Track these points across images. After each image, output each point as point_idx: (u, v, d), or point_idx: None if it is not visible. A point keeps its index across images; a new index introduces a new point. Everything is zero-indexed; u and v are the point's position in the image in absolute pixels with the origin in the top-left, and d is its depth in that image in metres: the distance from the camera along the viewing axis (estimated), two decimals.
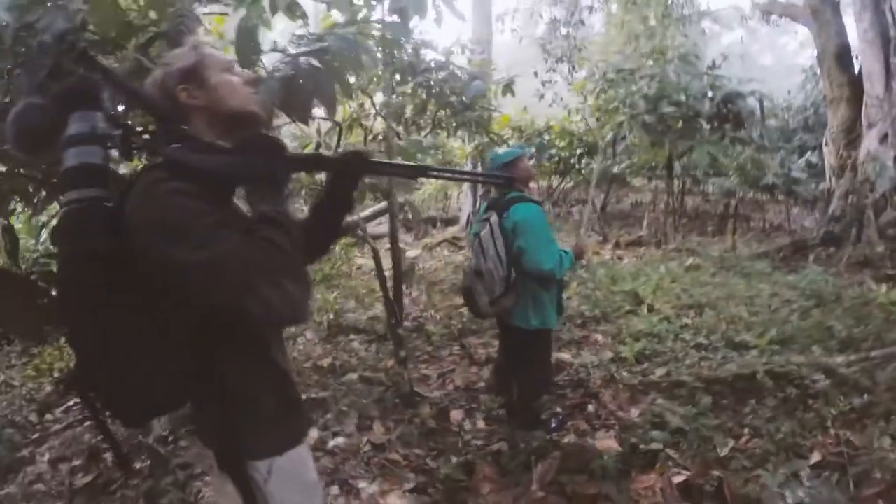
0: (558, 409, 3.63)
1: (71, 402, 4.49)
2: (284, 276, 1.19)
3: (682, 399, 3.53)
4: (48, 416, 4.29)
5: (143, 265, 1.19)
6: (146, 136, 1.36)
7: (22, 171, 2.33)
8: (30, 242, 4.81)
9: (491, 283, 3.05)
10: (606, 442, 3.17)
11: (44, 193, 2.57)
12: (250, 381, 1.39)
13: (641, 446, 3.03)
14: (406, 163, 2.23)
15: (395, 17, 3.47)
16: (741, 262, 7.36)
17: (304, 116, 2.41)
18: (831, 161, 8.69)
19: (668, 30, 13.33)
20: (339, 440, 3.47)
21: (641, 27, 13.43)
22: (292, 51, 2.46)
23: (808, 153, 11.34)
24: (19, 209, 3.13)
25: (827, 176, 8.89)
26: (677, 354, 4.22)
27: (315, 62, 2.38)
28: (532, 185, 12.68)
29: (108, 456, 3.51)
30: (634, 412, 3.51)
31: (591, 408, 3.65)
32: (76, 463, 3.53)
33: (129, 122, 1.39)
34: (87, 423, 4.02)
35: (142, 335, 1.23)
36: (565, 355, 4.44)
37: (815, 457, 2.88)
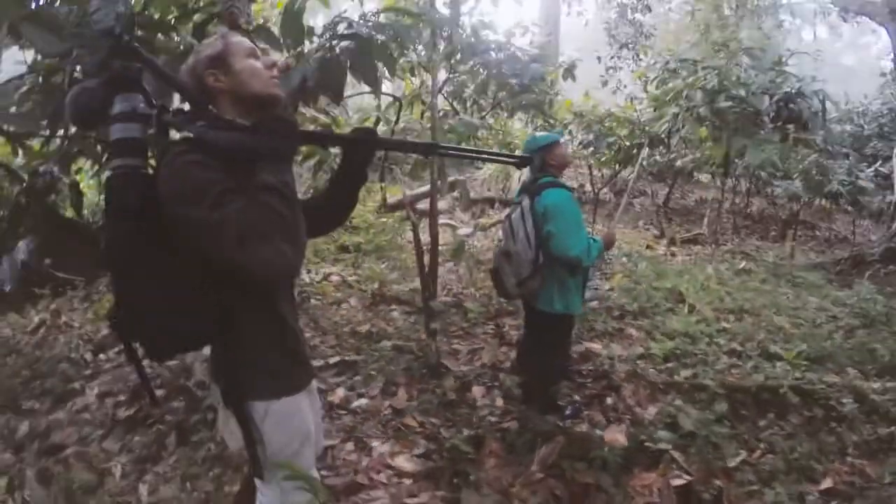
0: (576, 398, 3.67)
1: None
2: (279, 237, 1.42)
3: (701, 403, 3.51)
4: (101, 356, 4.60)
5: (167, 223, 1.43)
6: (176, 116, 1.57)
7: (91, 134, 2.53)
8: (99, 197, 5.13)
9: (518, 264, 3.14)
10: (615, 435, 3.18)
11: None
12: (255, 330, 1.61)
13: (648, 444, 3.03)
14: (415, 140, 2.34)
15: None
16: (794, 272, 7.15)
17: (337, 96, 2.53)
18: None
19: (741, 21, 12.87)
20: (363, 401, 3.66)
21: (714, 16, 13.02)
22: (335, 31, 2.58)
23: (880, 162, 10.78)
24: (87, 167, 3.43)
25: (894, 189, 8.46)
26: (707, 358, 4.15)
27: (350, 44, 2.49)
28: (594, 172, 12.61)
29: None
30: (651, 410, 3.50)
31: (609, 400, 3.66)
32: (120, 398, 3.80)
33: (164, 104, 1.57)
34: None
35: (167, 282, 1.47)
36: (596, 345, 4.44)
37: (827, 483, 2.84)
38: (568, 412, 3.42)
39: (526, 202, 3.16)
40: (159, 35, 2.48)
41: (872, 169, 10.13)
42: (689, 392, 3.67)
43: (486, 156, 2.26)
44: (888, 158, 9.67)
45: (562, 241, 3.02)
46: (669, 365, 4.06)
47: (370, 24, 2.56)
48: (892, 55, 8.98)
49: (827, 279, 6.99)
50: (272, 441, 1.62)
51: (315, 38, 2.65)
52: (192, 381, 3.83)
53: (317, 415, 1.88)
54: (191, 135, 1.50)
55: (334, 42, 2.49)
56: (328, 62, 2.33)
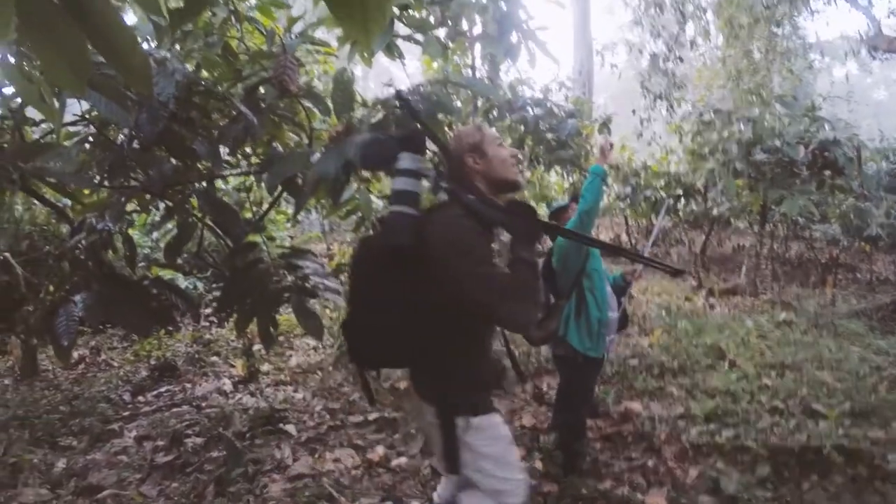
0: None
1: (163, 389, 4.95)
2: (527, 299, 1.77)
3: (744, 465, 3.46)
4: (140, 398, 4.75)
5: (431, 265, 1.74)
6: (450, 184, 1.89)
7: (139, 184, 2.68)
8: (142, 240, 5.32)
9: None
10: (656, 499, 3.16)
11: (162, 208, 2.93)
12: (467, 359, 1.91)
13: None
14: (599, 239, 2.55)
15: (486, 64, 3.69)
16: (836, 320, 7.00)
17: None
18: None
19: (772, 64, 12.86)
20: (402, 460, 3.68)
21: (745, 62, 13.04)
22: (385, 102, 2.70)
23: None
24: (140, 220, 3.59)
25: None
26: (749, 417, 4.08)
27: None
28: (631, 222, 12.59)
29: (189, 441, 3.88)
30: (693, 473, 3.45)
31: (650, 462, 3.61)
32: (159, 443, 3.90)
33: (439, 169, 1.97)
34: (174, 409, 4.45)
35: (405, 306, 1.77)
36: (636, 405, 4.40)
37: None
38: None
39: None
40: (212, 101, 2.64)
41: None
42: (731, 454, 3.62)
43: (644, 260, 2.43)
44: None
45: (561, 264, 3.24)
46: (711, 426, 3.98)
47: (416, 96, 2.67)
48: None
49: (869, 326, 6.83)
50: (484, 449, 1.90)
51: (364, 108, 2.79)
52: (231, 430, 3.92)
53: None
54: (457, 200, 1.83)
55: (383, 114, 2.61)
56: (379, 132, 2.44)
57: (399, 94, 2.08)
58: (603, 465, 3.56)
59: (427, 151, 1.93)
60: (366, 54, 2.83)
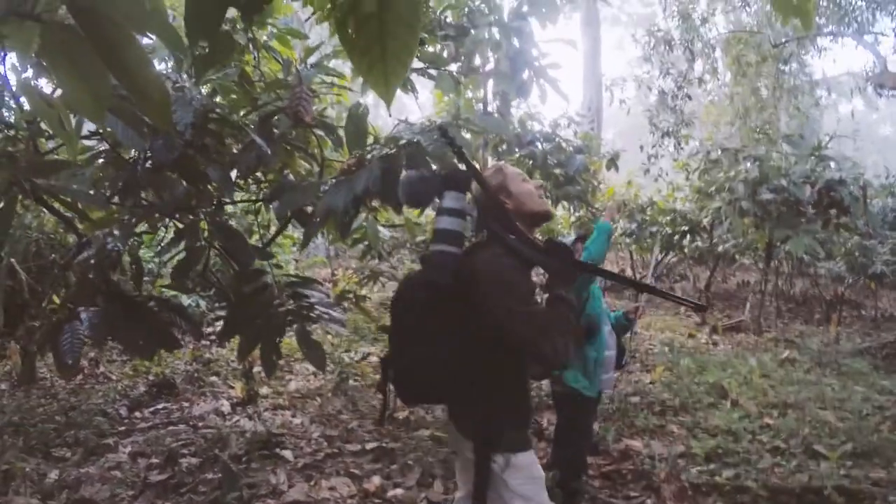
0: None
1: (160, 406, 4.93)
2: (566, 335, 1.78)
3: None
4: (136, 414, 4.72)
5: (474, 302, 1.79)
6: (487, 222, 1.96)
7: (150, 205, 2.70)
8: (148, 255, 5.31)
9: None
10: None
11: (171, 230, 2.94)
12: (508, 396, 1.92)
13: None
14: (630, 278, 2.60)
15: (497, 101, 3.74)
16: (839, 359, 6.99)
17: (398, 203, 2.65)
18: None
19: (779, 102, 12.97)
20: (399, 491, 3.63)
21: (752, 99, 13.15)
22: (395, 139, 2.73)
23: None
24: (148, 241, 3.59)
25: None
26: (750, 456, 4.06)
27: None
28: (635, 257, 12.61)
29: (184, 461, 3.85)
30: None
31: (649, 501, 3.59)
32: (154, 460, 3.87)
33: (482, 208, 1.97)
34: (170, 427, 4.42)
35: (447, 343, 1.79)
36: (636, 443, 4.37)
37: None
38: None
39: None
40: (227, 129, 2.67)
41: None
42: (730, 494, 3.59)
43: (667, 296, 2.42)
44: None
45: None
46: (711, 465, 3.97)
47: (425, 132, 2.69)
48: None
49: (873, 365, 6.82)
50: (519, 489, 1.87)
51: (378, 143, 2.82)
52: (227, 453, 3.90)
53: None
54: (499, 240, 1.90)
55: (393, 150, 2.63)
56: (388, 170, 2.47)
57: (443, 131, 2.08)
58: None
59: (470, 190, 1.95)
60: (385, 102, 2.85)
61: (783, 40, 12.19)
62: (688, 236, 10.57)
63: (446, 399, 2.06)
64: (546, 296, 1.94)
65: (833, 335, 8.36)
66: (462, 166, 1.96)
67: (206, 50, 2.14)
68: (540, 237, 2.10)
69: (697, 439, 4.38)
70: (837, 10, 12.06)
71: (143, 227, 2.89)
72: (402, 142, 2.36)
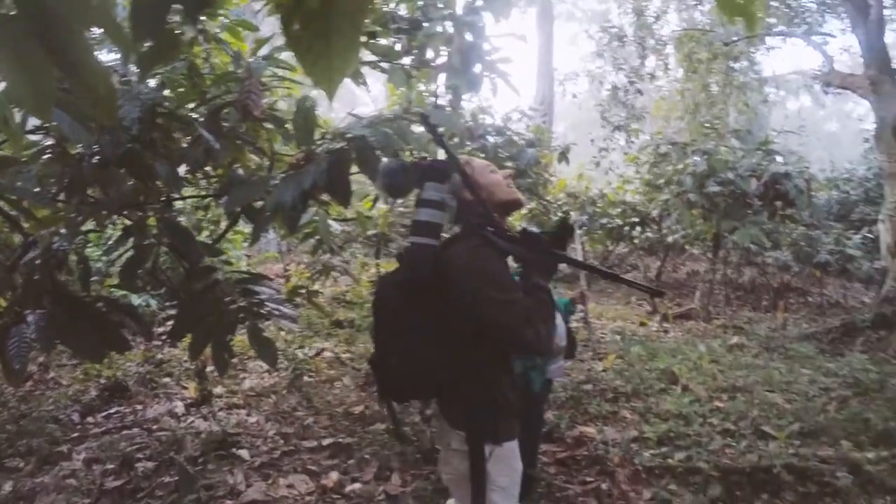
0: None
1: (113, 410, 4.84)
2: (545, 323, 1.83)
3: (696, 486, 3.54)
4: (89, 419, 4.63)
5: (455, 294, 1.81)
6: (465, 213, 1.99)
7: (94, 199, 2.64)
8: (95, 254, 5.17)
9: None
10: None
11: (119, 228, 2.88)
12: (494, 387, 1.94)
13: None
14: (595, 265, 2.62)
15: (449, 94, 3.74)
16: (787, 344, 7.21)
17: (344, 198, 2.65)
18: (887, 239, 8.43)
19: (729, 98, 13.32)
20: (357, 486, 3.65)
21: (703, 95, 13.47)
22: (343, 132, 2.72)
23: (866, 228, 11.03)
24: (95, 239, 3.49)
25: (882, 254, 8.64)
26: (701, 439, 4.17)
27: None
28: (587, 248, 12.82)
29: (140, 465, 3.81)
30: (646, 495, 3.52)
31: (604, 486, 3.67)
32: (109, 466, 3.81)
33: (460, 200, 1.99)
34: (125, 431, 4.35)
35: (431, 336, 1.82)
36: (590, 429, 4.46)
37: None
38: None
39: None
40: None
41: (860, 235, 10.37)
42: (683, 475, 3.70)
43: (627, 283, 2.43)
44: (875, 223, 9.91)
45: None
46: (664, 449, 4.07)
47: (373, 126, 2.69)
48: (874, 123, 9.29)
49: (819, 349, 7.04)
50: (498, 479, 1.91)
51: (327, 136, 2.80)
52: (183, 455, 3.85)
53: None
54: (476, 232, 1.92)
55: (340, 144, 2.62)
56: (335, 164, 2.46)
57: (425, 120, 2.09)
58: (557, 490, 3.60)
59: (448, 181, 1.95)
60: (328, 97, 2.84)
61: (734, 39, 12.52)
62: (637, 228, 10.82)
63: (434, 394, 2.07)
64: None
65: (780, 321, 8.62)
66: (442, 156, 1.99)
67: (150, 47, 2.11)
68: (519, 228, 2.13)
69: (650, 424, 4.48)
70: (788, 10, 12.46)
71: (90, 225, 2.83)
72: (349, 136, 2.35)
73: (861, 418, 4.40)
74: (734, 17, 1.28)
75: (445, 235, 2.09)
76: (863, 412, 4.54)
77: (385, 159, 2.14)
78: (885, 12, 9.06)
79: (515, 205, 2.12)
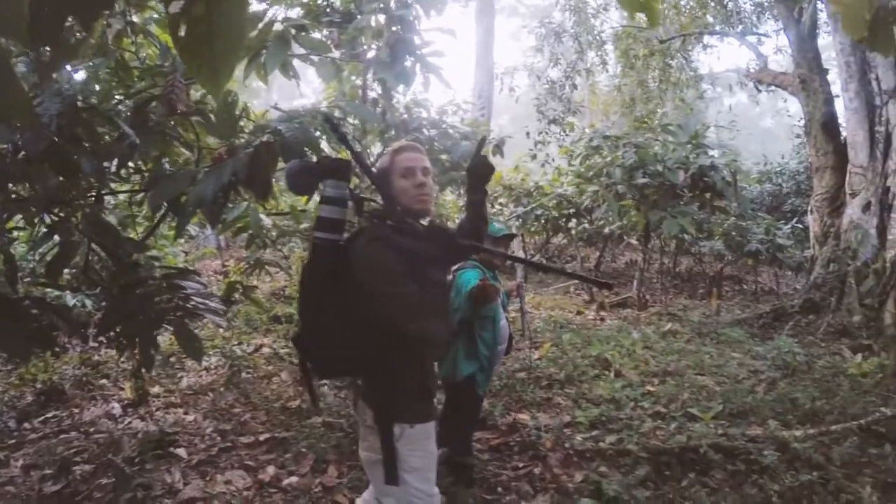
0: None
1: (50, 415, 4.72)
2: (437, 318, 1.95)
3: (626, 468, 3.65)
4: (26, 425, 4.50)
5: (354, 285, 1.89)
6: (368, 208, 2.09)
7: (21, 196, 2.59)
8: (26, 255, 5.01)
9: None
10: None
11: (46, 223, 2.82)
12: (403, 370, 2.02)
13: None
14: (521, 257, 2.66)
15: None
16: (718, 329, 7.49)
17: (265, 192, 2.65)
18: (815, 228, 8.88)
19: (665, 94, 13.71)
20: (294, 479, 3.66)
21: (639, 91, 13.82)
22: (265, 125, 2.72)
23: (796, 218, 11.56)
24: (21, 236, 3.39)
25: (811, 243, 9.08)
26: (632, 422, 4.31)
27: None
28: (527, 240, 13.03)
29: (78, 469, 3.74)
30: (577, 477, 3.62)
31: (536, 470, 3.75)
32: (47, 471, 3.72)
33: (362, 195, 2.10)
34: (62, 436, 4.26)
35: (343, 323, 1.91)
36: (524, 416, 4.55)
37: None
38: None
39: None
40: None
41: (790, 226, 10.85)
42: (613, 458, 3.82)
43: (571, 275, 2.48)
44: (805, 214, 10.39)
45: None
46: (595, 432, 4.20)
47: (298, 119, 2.70)
48: (803, 119, 9.77)
49: (750, 334, 7.34)
50: (411, 460, 2.02)
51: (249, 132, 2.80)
52: (121, 456, 3.79)
53: None
54: (378, 227, 1.98)
55: (262, 138, 2.62)
56: (254, 158, 2.46)
57: (328, 119, 2.15)
58: (491, 476, 3.68)
59: (352, 178, 2.02)
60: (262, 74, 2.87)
61: (671, 37, 12.91)
62: (573, 219, 11.06)
63: (352, 373, 2.19)
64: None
65: (714, 308, 8.96)
66: (346, 154, 2.06)
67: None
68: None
69: (582, 409, 4.61)
70: (724, 10, 12.92)
71: (17, 224, 2.77)
72: (269, 130, 2.37)
73: (789, 398, 4.62)
74: (635, 12, 1.38)
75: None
76: (790, 392, 4.76)
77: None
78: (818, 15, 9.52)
79: (416, 215, 2.09)
